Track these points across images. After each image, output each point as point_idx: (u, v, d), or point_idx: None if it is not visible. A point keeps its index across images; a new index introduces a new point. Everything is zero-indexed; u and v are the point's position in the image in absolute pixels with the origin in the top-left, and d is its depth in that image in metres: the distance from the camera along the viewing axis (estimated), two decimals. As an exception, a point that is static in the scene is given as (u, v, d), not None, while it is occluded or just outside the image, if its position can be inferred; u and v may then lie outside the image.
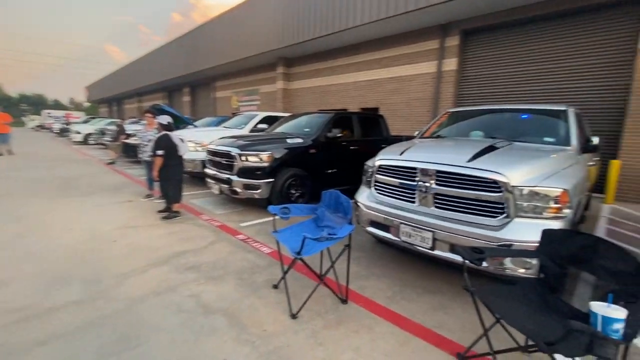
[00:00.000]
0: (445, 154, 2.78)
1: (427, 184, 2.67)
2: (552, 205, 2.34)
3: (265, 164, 4.78)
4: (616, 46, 6.66)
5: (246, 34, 13.97)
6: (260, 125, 7.41)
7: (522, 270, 2.33)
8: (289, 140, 5.13)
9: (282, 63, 13.77)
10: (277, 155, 4.87)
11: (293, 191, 5.10)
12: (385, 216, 2.94)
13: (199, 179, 7.24)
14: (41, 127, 36.02)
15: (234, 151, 4.83)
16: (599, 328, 1.26)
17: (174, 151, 4.58)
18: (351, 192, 6.38)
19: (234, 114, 14.70)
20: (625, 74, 6.58)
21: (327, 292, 2.67)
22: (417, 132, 4.52)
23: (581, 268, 1.75)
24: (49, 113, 36.82)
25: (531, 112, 3.81)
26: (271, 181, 4.83)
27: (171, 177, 4.59)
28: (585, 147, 3.17)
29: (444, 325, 2.34)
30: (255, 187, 4.77)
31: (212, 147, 5.36)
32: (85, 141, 18.16)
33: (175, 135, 4.69)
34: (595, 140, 3.19)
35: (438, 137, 3.91)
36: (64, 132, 24.22)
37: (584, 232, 1.80)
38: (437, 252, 2.61)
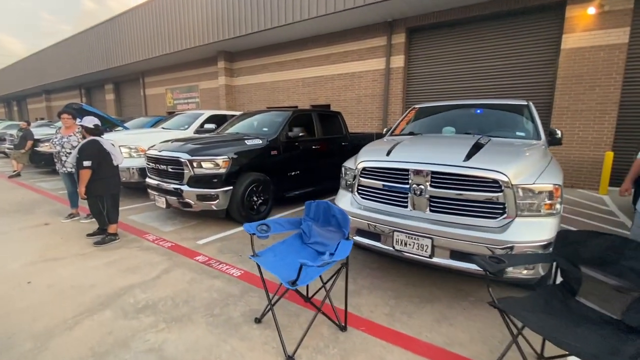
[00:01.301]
0: (437, 153, 2.59)
1: (421, 187, 2.44)
2: (547, 201, 2.28)
3: (222, 170, 4.18)
4: (544, 47, 7.36)
5: (180, 24, 12.66)
6: (208, 125, 6.64)
7: (525, 272, 2.23)
8: (247, 142, 4.58)
9: (223, 57, 12.79)
10: (236, 159, 4.30)
11: (255, 198, 4.57)
12: (375, 224, 2.66)
13: (138, 190, 6.25)
14: None
15: (184, 157, 4.13)
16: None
17: (107, 160, 3.73)
18: (316, 195, 6.10)
19: (170, 113, 13.32)
20: (551, 72, 7.31)
21: (320, 318, 2.29)
22: (385, 130, 4.34)
23: (606, 271, 1.65)
24: None
25: (496, 107, 3.87)
26: (230, 189, 4.25)
27: (105, 193, 3.73)
28: (552, 140, 3.27)
29: (454, 340, 2.14)
30: (212, 198, 4.14)
31: (154, 152, 4.55)
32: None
33: (107, 141, 3.83)
34: (559, 133, 3.31)
35: (411, 134, 3.76)
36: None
37: (606, 232, 1.70)
38: (436, 260, 2.41)
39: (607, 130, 6.65)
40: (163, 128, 7.25)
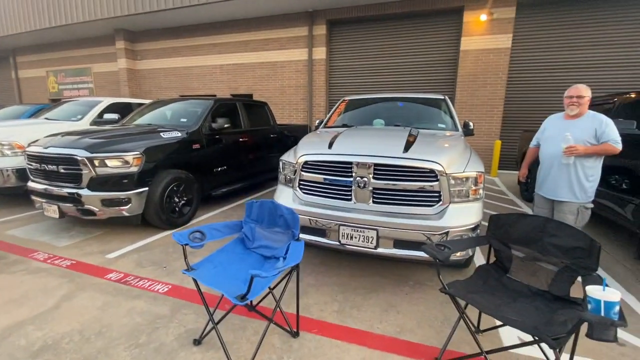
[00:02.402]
0: (377, 145, 2.60)
1: (365, 179, 2.43)
2: (474, 187, 2.50)
3: (134, 169, 3.55)
4: (447, 47, 8.24)
5: (61, -8, 10.39)
6: (108, 116, 5.60)
7: (459, 255, 2.42)
8: (164, 135, 3.98)
9: (123, 36, 11.00)
10: (151, 155, 3.70)
11: (177, 199, 4.05)
12: (320, 219, 2.57)
13: (15, 196, 4.98)
14: None
15: (80, 154, 3.36)
16: (602, 313, 1.28)
17: None
18: (245, 192, 5.73)
19: (54, 101, 11.00)
20: (453, 70, 8.25)
21: (262, 325, 2.11)
22: (317, 121, 4.27)
23: (531, 248, 1.86)
24: None
25: (418, 100, 4.14)
26: (145, 190, 3.65)
27: None
28: (467, 131, 3.64)
29: (403, 327, 2.21)
30: (122, 202, 3.50)
31: (37, 149, 3.62)
32: None
33: None
34: (471, 124, 3.71)
35: (345, 126, 3.75)
36: None
37: (531, 214, 1.93)
38: (381, 250, 2.44)
39: (495, 122, 7.86)
40: (47, 119, 5.88)
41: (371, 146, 2.59)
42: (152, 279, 2.82)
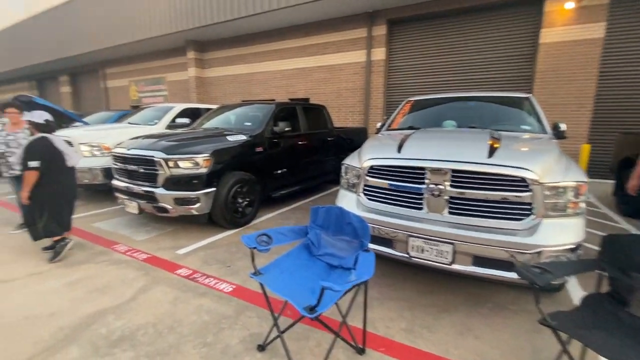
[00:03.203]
0: (455, 149, 2.35)
1: (440, 186, 2.20)
2: (574, 200, 2.12)
3: (203, 170, 3.73)
4: (522, 41, 7.44)
5: (144, 10, 11.67)
6: (180, 120, 6.06)
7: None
8: (230, 138, 4.14)
9: (193, 47, 11.97)
10: (218, 158, 3.86)
11: (240, 200, 4.17)
12: (386, 228, 2.39)
13: (103, 192, 5.60)
14: None
15: (158, 155, 3.63)
16: None
17: (58, 161, 3.17)
18: (303, 194, 5.77)
19: (135, 107, 12.35)
20: (530, 66, 7.42)
21: (328, 338, 2.00)
22: (379, 124, 4.09)
23: (662, 278, 1.48)
24: None
25: (496, 100, 3.73)
26: (212, 191, 3.82)
27: (52, 200, 3.17)
28: (557, 133, 3.16)
29: (485, 357, 1.93)
30: (192, 201, 3.69)
31: (122, 151, 4.00)
32: None
33: (59, 138, 3.26)
34: (563, 126, 3.21)
35: (411, 128, 3.52)
36: None
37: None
38: (457, 267, 2.19)
39: (583, 123, 6.86)
40: (129, 123, 6.56)
41: (447, 150, 2.34)
42: (217, 277, 2.89)
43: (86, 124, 7.21)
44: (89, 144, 5.16)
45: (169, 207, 3.69)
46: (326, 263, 1.98)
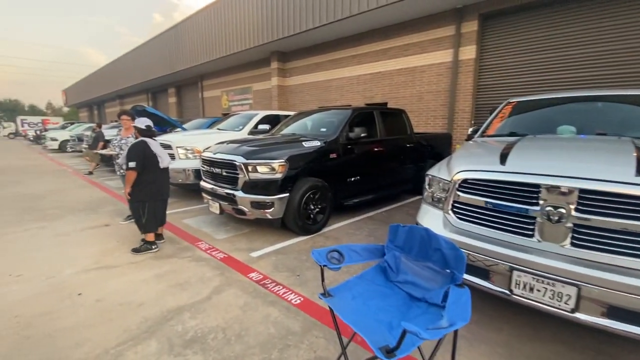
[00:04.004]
0: (586, 163, 1.83)
1: (561, 209, 1.71)
2: None
3: (279, 175, 3.76)
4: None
5: (234, 27, 12.83)
6: (262, 126, 6.36)
7: None
8: (305, 144, 4.12)
9: (276, 58, 12.69)
10: (293, 163, 3.85)
11: (312, 207, 4.10)
12: (480, 255, 1.98)
13: (193, 191, 6.18)
14: (15, 134, 33.91)
15: (239, 160, 3.79)
16: None
17: (152, 164, 3.50)
18: (377, 203, 5.47)
19: (225, 115, 13.58)
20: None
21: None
22: (471, 129, 3.57)
23: None
24: (23, 119, 34.70)
25: (633, 100, 2.90)
26: (286, 196, 3.82)
27: (146, 199, 3.51)
28: None
29: None
30: (267, 205, 3.74)
31: (209, 154, 4.30)
32: (61, 149, 16.73)
33: (155, 142, 3.61)
34: None
35: (513, 134, 2.95)
36: (39, 140, 22.58)
37: None
38: (583, 317, 1.66)
39: None
40: (218, 129, 7.16)
41: (572, 164, 1.82)
42: (286, 286, 2.82)
43: (184, 129, 8.13)
44: (184, 148, 5.75)
45: (246, 209, 3.81)
46: (406, 292, 1.69)
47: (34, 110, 72.39)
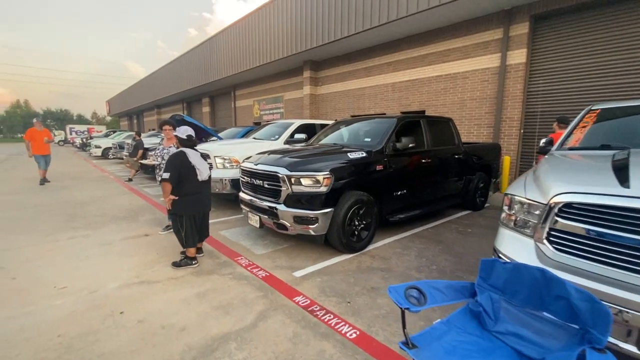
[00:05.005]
0: None
1: None
2: None
3: (323, 189, 3.51)
4: None
5: (268, 37, 12.97)
6: (298, 135, 6.20)
7: None
8: (350, 155, 3.85)
9: (309, 67, 12.65)
10: (338, 176, 3.59)
11: (356, 222, 3.80)
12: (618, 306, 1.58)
13: (229, 201, 6.09)
14: (64, 141, 36.48)
15: (282, 172, 3.58)
16: None
17: (190, 176, 3.34)
18: (421, 219, 5.05)
19: (256, 124, 13.70)
20: None
21: None
22: (543, 140, 3.14)
23: None
24: (71, 128, 37.31)
25: None
26: (330, 211, 3.55)
27: (183, 212, 3.36)
28: None
29: None
30: (311, 221, 3.50)
31: (249, 165, 4.14)
32: (104, 156, 17.63)
33: (196, 153, 3.47)
34: None
35: (606, 147, 2.51)
36: (84, 147, 24.05)
37: None
38: None
39: None
40: (254, 138, 7.08)
41: None
42: (337, 314, 2.53)
43: (220, 138, 8.15)
44: (222, 157, 5.68)
45: (287, 224, 3.58)
46: (512, 348, 1.35)
47: (81, 120, 77.99)
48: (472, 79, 8.26)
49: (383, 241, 4.25)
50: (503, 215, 2.25)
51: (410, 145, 4.25)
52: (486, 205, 6.32)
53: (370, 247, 4.03)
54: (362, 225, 3.87)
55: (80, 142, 26.48)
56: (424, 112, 9.32)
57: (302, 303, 2.70)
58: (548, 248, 1.83)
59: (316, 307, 2.64)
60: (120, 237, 4.41)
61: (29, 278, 3.17)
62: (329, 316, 2.51)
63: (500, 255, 2.02)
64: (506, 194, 2.22)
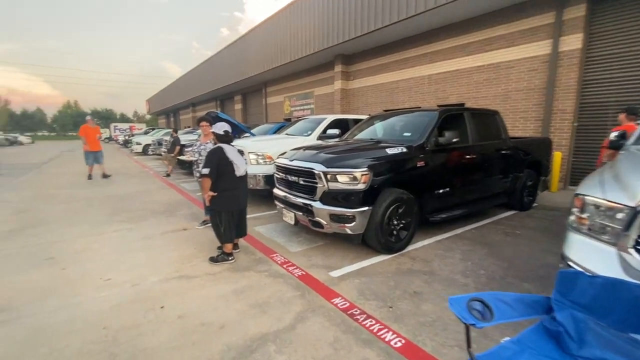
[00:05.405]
0: None
1: None
2: None
3: (361, 186, 3.35)
4: None
5: (298, 33, 12.91)
6: (330, 131, 6.05)
7: None
8: (389, 150, 3.65)
9: (340, 61, 12.43)
10: (377, 173, 3.42)
11: (395, 222, 3.61)
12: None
13: (262, 197, 6.10)
14: (109, 139, 39.00)
15: (318, 168, 3.47)
16: None
17: (228, 171, 3.32)
18: (463, 219, 4.74)
19: (287, 120, 13.72)
20: None
21: None
22: (615, 134, 2.77)
23: None
24: (115, 126, 39.77)
25: None
26: (368, 209, 3.39)
27: (222, 208, 3.36)
28: None
29: None
30: (348, 219, 3.36)
31: (284, 161, 4.08)
32: (144, 152, 18.57)
33: (233, 149, 3.45)
34: None
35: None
36: (126, 144, 25.52)
37: None
38: None
39: None
40: (287, 134, 7.05)
41: None
42: (379, 319, 2.39)
43: (253, 135, 8.21)
44: (255, 153, 5.69)
45: (323, 222, 3.47)
46: (604, 378, 1.14)
47: (123, 118, 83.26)
48: (517, 69, 7.66)
49: (422, 242, 4.02)
50: (572, 218, 1.98)
51: (454, 140, 3.97)
52: (534, 205, 5.84)
53: (409, 247, 3.82)
54: (401, 225, 3.67)
55: (123, 139, 28.14)
56: (463, 105, 8.80)
57: (341, 305, 2.58)
58: (635, 258, 1.57)
59: (356, 311, 2.51)
60: (160, 231, 4.53)
61: (77, 269, 3.32)
62: (370, 321, 2.37)
63: (573, 264, 1.77)
64: (577, 195, 1.95)
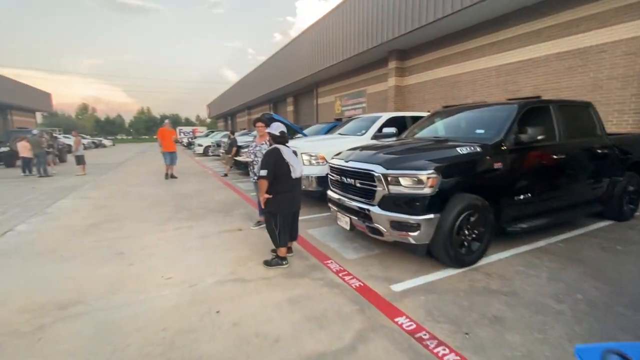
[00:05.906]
0: None
1: None
2: None
3: (427, 190, 2.99)
4: None
5: (349, 31, 12.64)
6: (386, 130, 5.69)
7: None
8: (460, 150, 3.22)
9: (395, 57, 11.88)
10: (446, 175, 3.03)
11: (466, 231, 3.17)
12: None
13: (314, 198, 5.96)
14: (175, 141, 42.60)
15: (377, 170, 3.19)
16: None
17: (284, 173, 3.20)
18: (549, 230, 4.06)
19: (338, 120, 13.53)
20: None
21: None
22: None
23: None
24: (180, 129, 43.33)
25: None
26: (436, 217, 3.01)
27: (278, 211, 3.24)
28: None
29: None
30: (411, 227, 3.02)
31: (339, 162, 3.86)
32: (205, 153, 19.82)
33: (289, 150, 3.32)
34: None
35: None
36: (190, 146, 27.57)
37: None
38: None
39: None
40: (339, 134, 6.84)
41: None
42: (453, 348, 2.03)
43: (305, 135, 8.16)
44: (308, 154, 5.57)
45: (383, 229, 3.17)
46: None
47: (188, 122, 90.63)
48: (611, 53, 6.51)
49: (497, 255, 3.50)
50: None
51: (538, 137, 3.39)
52: (636, 214, 4.85)
53: (482, 261, 3.34)
54: (473, 235, 3.22)
55: (187, 141, 30.47)
56: (539, 97, 7.77)
57: (407, 327, 2.28)
58: None
59: (425, 335, 2.18)
60: (218, 230, 4.62)
61: (142, 265, 3.46)
62: (444, 349, 2.03)
63: None
64: None
